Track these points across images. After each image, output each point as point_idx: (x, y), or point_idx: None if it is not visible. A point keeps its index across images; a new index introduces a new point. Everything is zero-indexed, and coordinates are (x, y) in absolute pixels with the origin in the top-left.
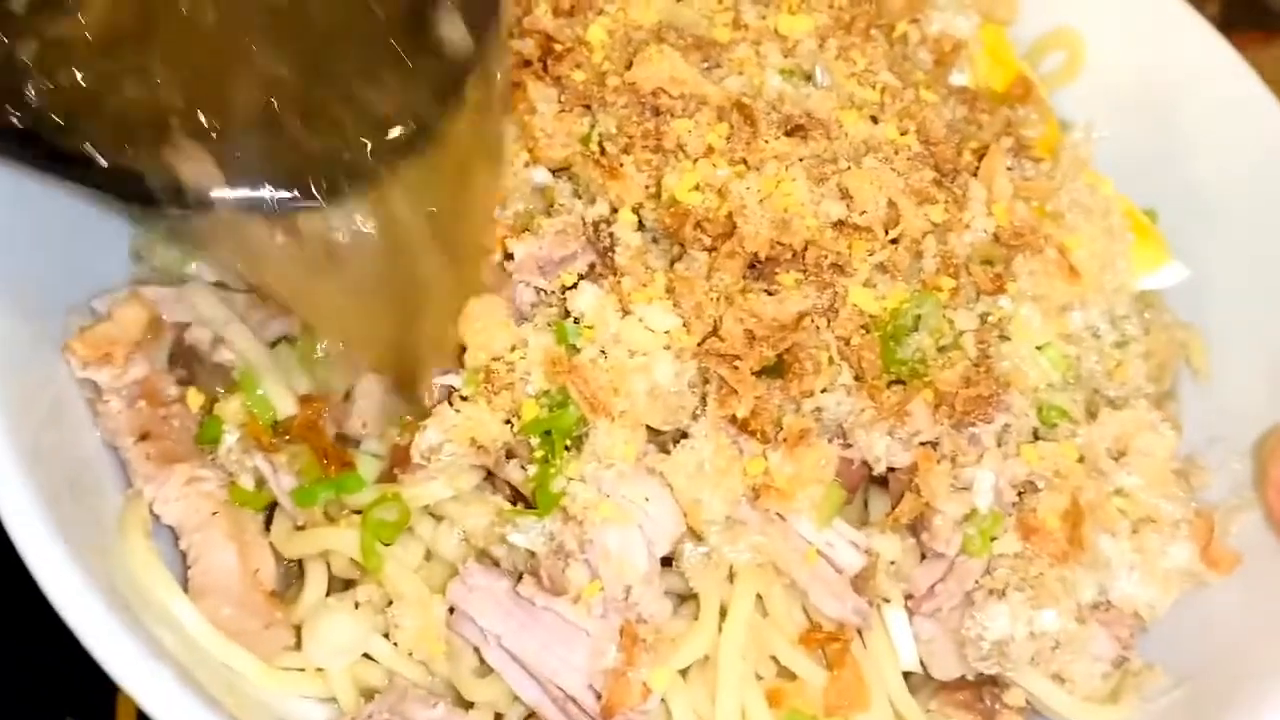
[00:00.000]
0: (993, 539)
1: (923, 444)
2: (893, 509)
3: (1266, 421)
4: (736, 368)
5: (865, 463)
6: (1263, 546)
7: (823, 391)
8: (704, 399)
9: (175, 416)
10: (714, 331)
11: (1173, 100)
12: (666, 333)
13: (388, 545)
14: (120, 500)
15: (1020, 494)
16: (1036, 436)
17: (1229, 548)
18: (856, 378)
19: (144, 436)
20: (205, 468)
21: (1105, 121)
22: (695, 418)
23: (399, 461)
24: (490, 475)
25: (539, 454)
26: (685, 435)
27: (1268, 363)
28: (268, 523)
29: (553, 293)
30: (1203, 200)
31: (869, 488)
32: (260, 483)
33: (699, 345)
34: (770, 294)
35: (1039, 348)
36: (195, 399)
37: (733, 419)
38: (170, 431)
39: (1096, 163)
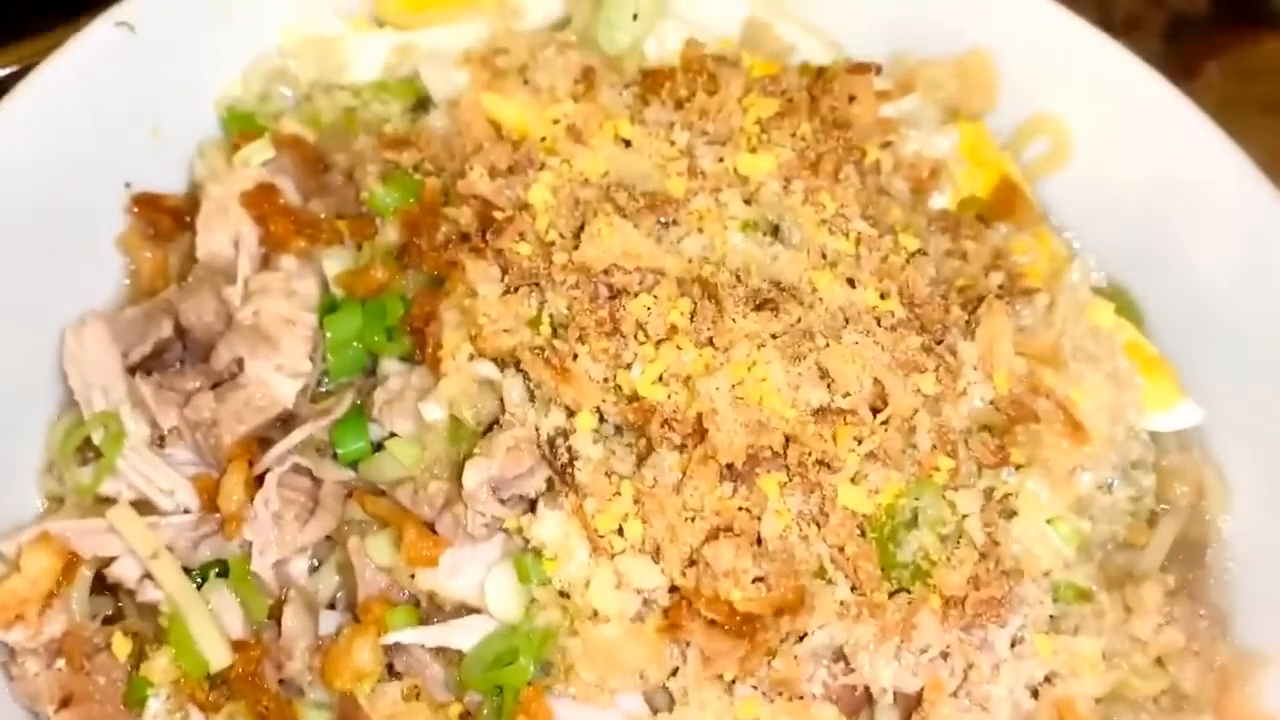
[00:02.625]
0: None
1: (933, 659)
2: None
3: None
4: (718, 629)
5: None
6: None
7: (819, 628)
8: (684, 654)
9: (101, 671)
10: (691, 561)
11: (1168, 193)
12: (639, 592)
13: None
14: None
15: (1035, 693)
16: (1052, 616)
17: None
18: (853, 588)
19: (66, 702)
20: None
21: (1096, 213)
22: (675, 673)
23: (351, 717)
24: None
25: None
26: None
27: None
28: None
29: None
30: (1202, 304)
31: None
32: None
33: (673, 607)
34: (748, 511)
35: (1049, 521)
36: (122, 647)
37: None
38: (95, 692)
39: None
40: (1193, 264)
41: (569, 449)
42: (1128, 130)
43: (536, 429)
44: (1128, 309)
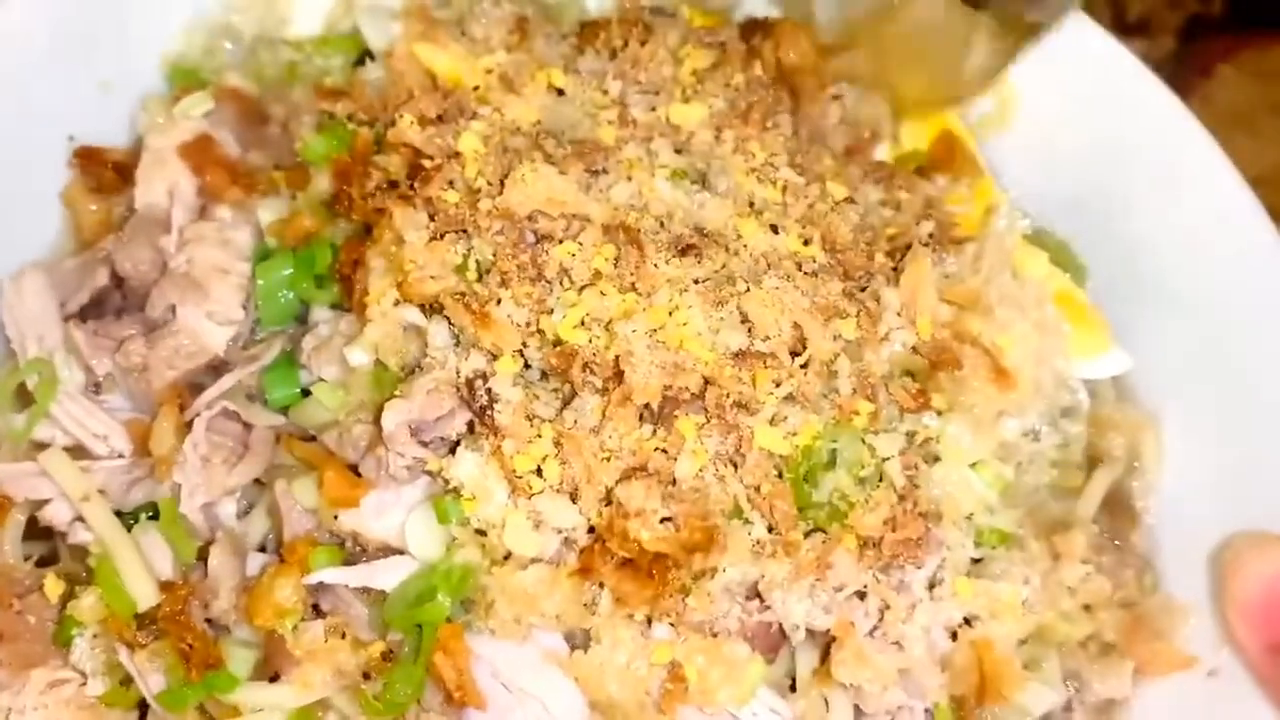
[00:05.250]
0: None
1: (848, 598)
2: (820, 661)
3: (1222, 527)
4: (630, 569)
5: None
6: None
7: (732, 565)
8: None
9: (32, 611)
10: (606, 501)
11: (1112, 153)
12: (559, 531)
13: None
14: None
15: (954, 634)
16: (975, 560)
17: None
18: (769, 528)
19: None
20: (67, 668)
21: (1039, 172)
22: (593, 610)
23: (276, 655)
24: None
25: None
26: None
27: (1219, 459)
28: (143, 718)
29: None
30: (1140, 265)
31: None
32: (127, 680)
33: (585, 550)
34: (665, 452)
35: (972, 466)
36: (55, 588)
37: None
38: (25, 630)
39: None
40: (1133, 224)
41: (488, 391)
42: (1074, 90)
43: (457, 371)
44: (1069, 263)
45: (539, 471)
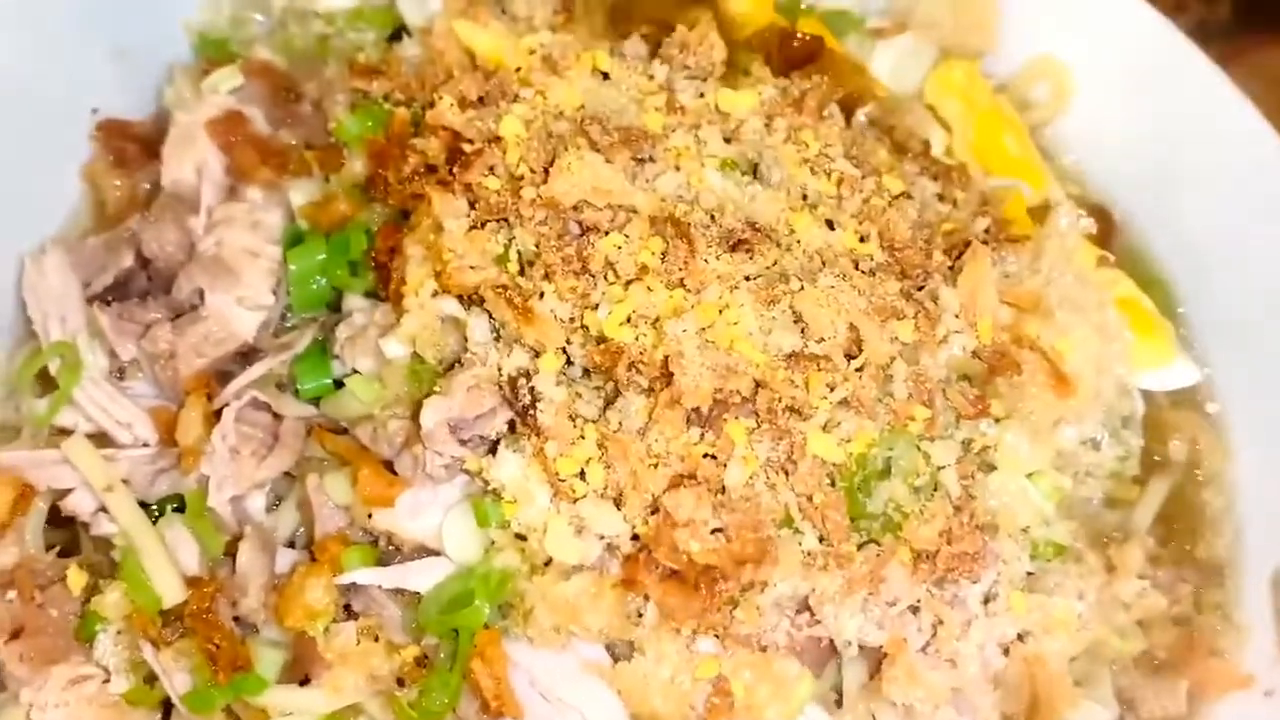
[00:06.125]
0: None
1: (901, 613)
2: (871, 678)
3: None
4: (677, 581)
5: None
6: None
7: (783, 579)
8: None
9: (54, 604)
10: (654, 509)
11: (1170, 139)
12: (602, 538)
13: None
14: None
15: (1006, 650)
16: (1029, 573)
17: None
18: (821, 539)
19: (17, 633)
20: (89, 664)
21: (1095, 159)
22: (636, 622)
23: (305, 656)
24: None
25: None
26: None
27: None
28: (167, 717)
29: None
30: (1203, 254)
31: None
32: (152, 677)
33: (629, 561)
34: (714, 458)
35: (1029, 475)
36: (78, 580)
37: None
38: (48, 624)
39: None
40: (1195, 214)
41: (531, 390)
42: (1132, 76)
43: (499, 369)
44: (1154, 285)
45: (582, 475)
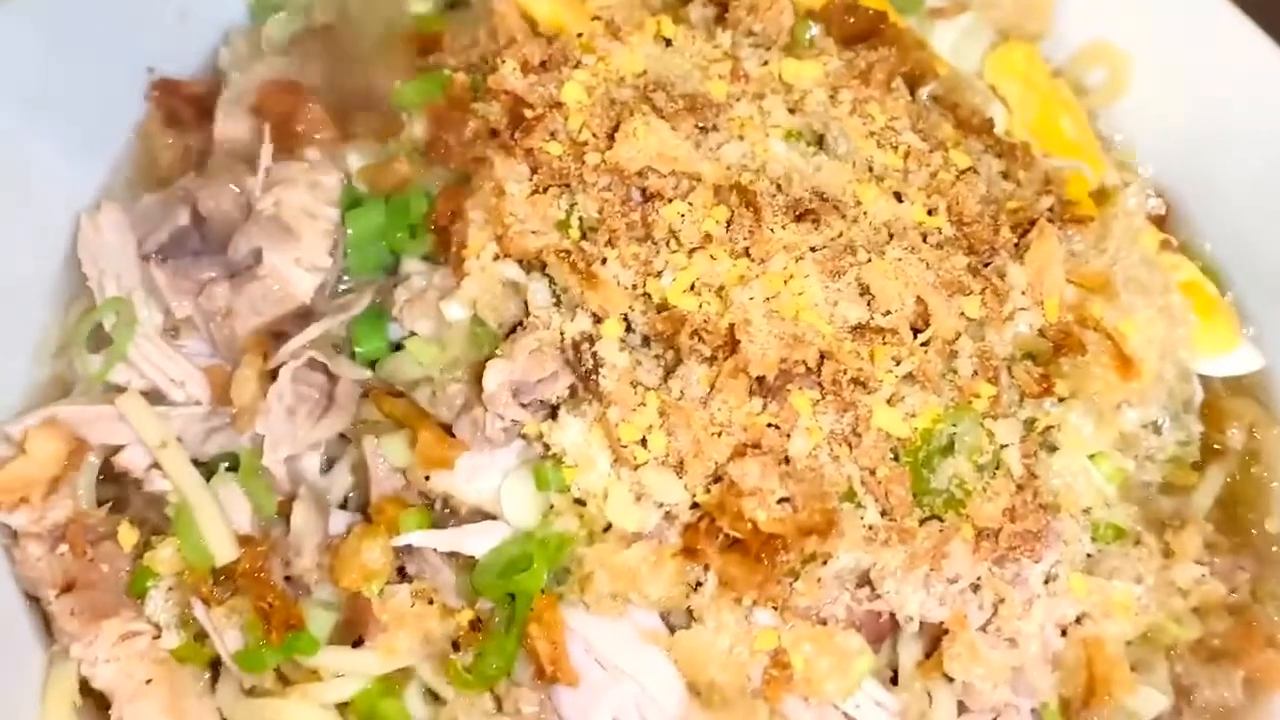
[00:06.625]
0: None
1: (962, 590)
2: (927, 655)
3: None
4: (738, 551)
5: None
6: None
7: (844, 552)
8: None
9: (105, 559)
10: (715, 478)
11: (1225, 124)
12: (662, 506)
13: None
14: (44, 660)
15: (1064, 633)
16: (1089, 555)
17: None
18: (883, 513)
19: (69, 588)
20: (140, 619)
21: (1155, 144)
22: (697, 588)
23: (358, 618)
24: None
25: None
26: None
27: None
28: (216, 675)
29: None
30: (1264, 238)
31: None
32: (202, 635)
33: (689, 530)
34: (777, 428)
35: (1091, 457)
36: (129, 537)
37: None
38: (99, 579)
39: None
40: (1256, 197)
41: (594, 355)
42: (1190, 59)
43: (561, 333)
44: (1208, 275)
45: (644, 442)
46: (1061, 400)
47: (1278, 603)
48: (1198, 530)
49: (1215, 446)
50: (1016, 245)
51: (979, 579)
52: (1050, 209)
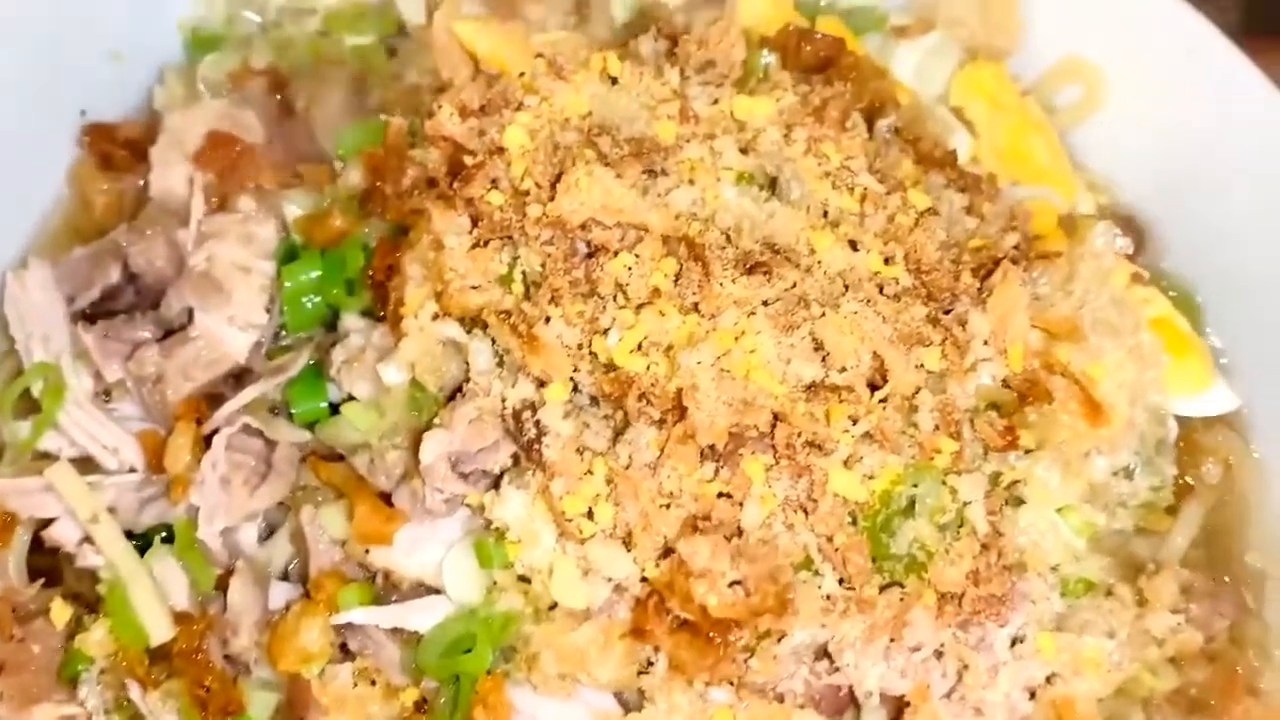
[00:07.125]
0: None
1: (925, 659)
2: None
3: None
4: (689, 631)
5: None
6: None
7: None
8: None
9: (36, 639)
10: (666, 550)
11: (1203, 144)
12: (610, 580)
13: None
14: None
15: (1033, 695)
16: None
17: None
18: (841, 581)
19: None
20: (73, 703)
21: (1129, 167)
22: (649, 668)
23: (299, 699)
24: None
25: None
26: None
27: None
28: None
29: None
30: (1243, 264)
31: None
32: (138, 718)
33: (638, 610)
34: (729, 496)
35: (1059, 510)
36: (61, 614)
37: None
38: (29, 660)
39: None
40: (1234, 223)
41: (537, 423)
42: (1166, 76)
43: (502, 399)
44: (1184, 305)
45: (590, 514)
46: (1028, 452)
47: (1258, 648)
48: (1173, 576)
49: (1189, 482)
50: (980, 289)
51: (942, 645)
52: (1016, 246)
